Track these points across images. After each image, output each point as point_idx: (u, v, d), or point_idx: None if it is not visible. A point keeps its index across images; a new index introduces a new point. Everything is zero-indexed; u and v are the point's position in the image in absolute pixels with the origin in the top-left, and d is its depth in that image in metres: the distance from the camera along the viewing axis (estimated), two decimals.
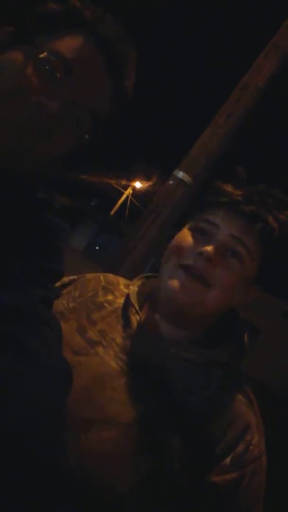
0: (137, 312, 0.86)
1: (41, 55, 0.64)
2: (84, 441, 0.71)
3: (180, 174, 2.83)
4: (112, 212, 25.96)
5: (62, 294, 0.96)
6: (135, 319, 0.86)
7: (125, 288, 0.96)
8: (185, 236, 0.84)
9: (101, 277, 1.00)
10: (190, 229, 0.84)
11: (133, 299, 0.88)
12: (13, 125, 0.63)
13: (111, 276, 1.02)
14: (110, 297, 0.94)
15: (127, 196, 26.26)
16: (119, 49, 0.69)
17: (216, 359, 0.81)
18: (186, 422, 0.75)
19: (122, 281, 1.00)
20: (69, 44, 0.66)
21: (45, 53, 0.64)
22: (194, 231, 0.83)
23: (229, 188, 0.84)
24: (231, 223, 0.80)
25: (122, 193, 26.00)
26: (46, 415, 0.53)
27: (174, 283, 0.79)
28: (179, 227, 0.90)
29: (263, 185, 0.85)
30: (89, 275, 1.02)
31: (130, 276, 2.98)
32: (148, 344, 0.82)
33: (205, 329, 0.88)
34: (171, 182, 2.85)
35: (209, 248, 0.78)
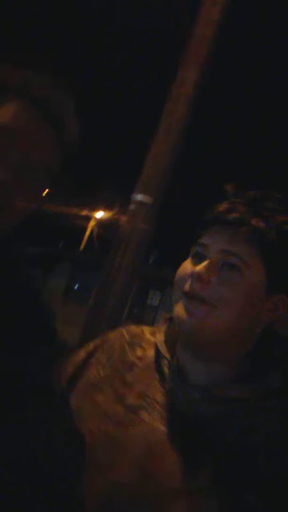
0: (169, 363, 0.80)
1: None
2: None
3: (139, 196, 2.87)
4: (81, 248, 25.87)
5: (91, 364, 0.91)
6: (169, 370, 0.80)
7: (151, 336, 0.91)
8: (184, 265, 0.82)
9: (124, 332, 0.94)
10: (190, 257, 0.82)
11: (163, 350, 0.82)
12: None
13: (133, 328, 0.96)
14: (139, 352, 0.88)
15: (92, 229, 26.27)
16: (52, 102, 0.71)
17: (265, 388, 0.74)
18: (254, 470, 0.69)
19: (146, 329, 0.94)
20: (5, 112, 0.68)
21: None
22: (192, 258, 0.81)
23: (216, 205, 0.81)
24: (219, 238, 0.77)
25: (86, 227, 26.00)
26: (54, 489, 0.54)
27: (180, 312, 0.76)
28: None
29: (255, 192, 0.82)
30: (111, 335, 0.96)
31: (119, 310, 2.96)
32: (187, 394, 0.76)
33: (245, 360, 0.80)
34: (132, 206, 2.89)
35: (198, 268, 0.75)
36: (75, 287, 20.19)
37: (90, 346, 0.96)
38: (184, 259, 0.83)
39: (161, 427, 0.75)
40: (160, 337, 0.86)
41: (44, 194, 0.74)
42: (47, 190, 0.74)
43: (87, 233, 26.05)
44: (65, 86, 0.75)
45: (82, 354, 0.94)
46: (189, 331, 0.75)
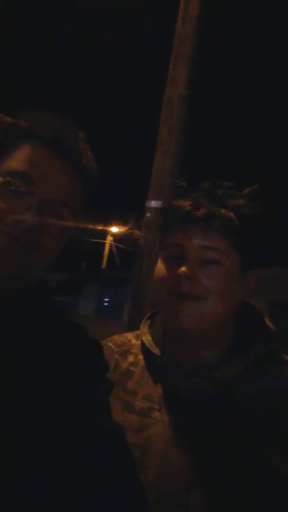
0: (162, 358, 0.84)
1: (1, 181, 0.67)
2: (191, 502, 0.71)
3: (153, 203, 2.86)
4: (104, 266, 26.02)
5: None
6: (166, 365, 0.84)
7: (136, 340, 0.95)
8: (160, 266, 0.84)
9: (110, 344, 0.97)
10: (163, 259, 0.84)
11: (154, 349, 0.87)
12: (5, 256, 0.65)
13: (116, 338, 1.00)
14: (131, 359, 0.92)
15: (110, 244, 26.44)
16: (64, 139, 0.71)
17: (253, 356, 0.81)
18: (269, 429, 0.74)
19: (130, 336, 0.98)
20: (19, 157, 0.69)
21: (2, 178, 0.67)
22: (167, 259, 0.83)
23: (178, 203, 0.83)
24: (193, 235, 0.80)
25: (103, 244, 26.19)
26: None
27: (173, 313, 0.79)
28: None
29: (207, 183, 0.86)
30: None
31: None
32: (188, 380, 0.80)
33: (231, 334, 0.86)
34: (148, 214, 2.88)
35: (183, 268, 0.78)
36: (105, 304, 20.30)
37: None
38: None
39: (176, 421, 0.79)
40: (146, 338, 0.90)
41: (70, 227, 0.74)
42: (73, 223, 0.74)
43: (106, 249, 26.24)
44: (72, 120, 0.75)
45: None
46: (187, 329, 0.79)
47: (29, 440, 0.59)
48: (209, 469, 0.73)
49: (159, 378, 0.84)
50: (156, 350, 0.86)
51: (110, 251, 26.33)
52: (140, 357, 0.90)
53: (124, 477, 0.61)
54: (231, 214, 0.80)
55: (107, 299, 20.14)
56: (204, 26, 3.34)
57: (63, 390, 0.65)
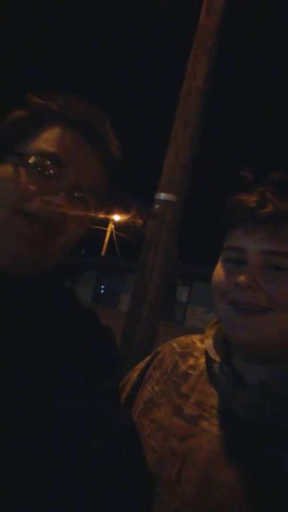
0: (221, 367, 0.77)
1: (30, 161, 0.65)
2: None
3: (162, 195, 2.84)
4: (103, 253, 26.00)
5: (145, 381, 0.89)
6: (223, 374, 0.76)
7: (201, 344, 0.88)
8: (220, 270, 0.76)
9: (174, 345, 0.91)
10: (223, 261, 0.76)
11: (212, 354, 0.79)
12: (29, 238, 0.64)
13: (182, 339, 0.93)
14: (191, 362, 0.85)
15: (111, 232, 26.39)
16: (94, 124, 0.70)
17: None
18: None
19: (196, 338, 0.91)
20: (49, 139, 0.68)
21: (32, 158, 0.65)
22: (226, 262, 0.75)
23: (242, 198, 0.73)
24: (255, 238, 0.70)
25: (104, 231, 26.13)
26: None
27: (231, 326, 0.71)
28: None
29: (277, 173, 0.74)
30: (162, 349, 0.93)
31: (155, 311, 2.95)
32: (246, 396, 0.72)
33: None
34: (157, 206, 2.86)
35: (242, 278, 0.69)
36: (102, 291, 20.32)
37: (142, 364, 0.94)
38: (208, 252, 0.79)
39: (223, 435, 0.71)
40: (208, 342, 0.83)
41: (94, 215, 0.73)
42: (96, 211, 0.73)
43: (107, 237, 26.19)
44: (99, 107, 0.74)
45: (135, 374, 0.93)
46: (247, 345, 0.71)
47: (38, 426, 0.58)
48: (249, 495, 0.65)
49: (215, 387, 0.77)
50: (215, 356, 0.78)
51: (111, 239, 26.30)
52: (201, 361, 0.83)
53: (131, 468, 0.60)
54: None
55: (103, 287, 20.16)
56: (228, 20, 3.28)
57: (74, 376, 0.64)
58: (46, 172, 0.66)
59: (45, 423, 0.58)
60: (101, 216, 0.74)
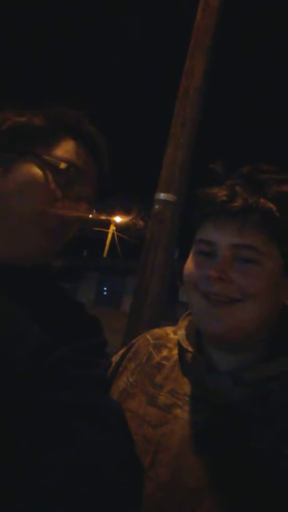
0: (194, 356, 0.79)
1: (61, 167, 0.73)
2: None
3: (162, 195, 2.83)
4: (105, 254, 26.01)
5: (120, 373, 0.91)
6: (195, 363, 0.79)
7: (174, 335, 0.90)
8: (191, 262, 0.78)
9: (148, 336, 0.94)
10: (194, 253, 0.78)
11: (185, 344, 0.82)
12: (52, 233, 0.73)
13: (157, 331, 0.95)
14: (164, 353, 0.87)
15: (113, 234, 26.40)
16: (99, 143, 0.80)
17: None
18: None
19: (169, 330, 0.94)
20: (69, 150, 0.75)
21: (62, 164, 0.73)
22: (197, 255, 0.76)
23: (212, 191, 0.74)
24: (225, 231, 0.71)
25: (106, 233, 26.15)
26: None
27: (203, 317, 0.73)
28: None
29: (248, 167, 0.75)
30: (136, 341, 0.96)
31: (157, 311, 2.94)
32: (217, 382, 0.74)
33: (269, 338, 0.78)
34: (156, 206, 2.86)
35: (212, 270, 0.71)
36: (104, 293, 20.33)
37: (117, 356, 0.96)
38: None
39: (195, 420, 0.74)
40: (181, 333, 0.85)
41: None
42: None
43: (109, 238, 26.21)
44: (95, 118, 0.82)
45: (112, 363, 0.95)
46: (218, 335, 0.72)
47: (23, 415, 0.59)
48: (220, 478, 0.67)
49: (187, 375, 0.80)
50: (187, 346, 0.81)
51: (112, 240, 26.30)
52: (175, 352, 0.86)
53: (121, 456, 0.61)
54: (271, 205, 0.69)
55: (105, 288, 20.17)
56: (224, 19, 3.28)
57: (60, 364, 0.65)
58: (71, 180, 0.74)
59: (32, 413, 0.59)
60: (98, 217, 0.84)
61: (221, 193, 0.72)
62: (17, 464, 0.56)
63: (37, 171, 0.72)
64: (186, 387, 0.79)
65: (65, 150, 0.75)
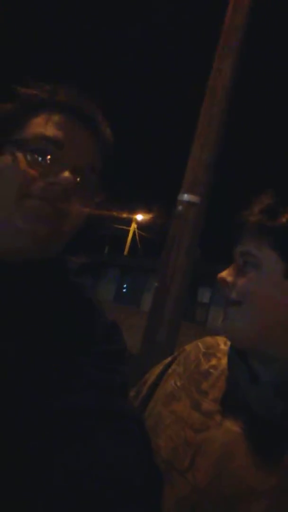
0: (239, 366, 0.82)
1: (28, 146, 0.67)
2: None
3: (186, 196, 2.82)
4: (126, 252, 26.10)
5: (169, 375, 0.95)
6: (240, 373, 0.81)
7: (225, 346, 0.93)
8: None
9: (199, 344, 0.98)
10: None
11: (233, 355, 0.85)
12: (45, 218, 0.66)
13: (208, 339, 0.99)
14: (213, 362, 0.91)
15: (134, 231, 26.47)
16: (84, 107, 0.73)
17: None
18: None
19: (221, 340, 0.97)
20: (43, 124, 0.70)
21: (30, 142, 0.68)
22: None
23: (243, 213, 0.83)
24: (236, 242, 0.82)
25: (127, 231, 26.24)
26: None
27: (221, 319, 0.81)
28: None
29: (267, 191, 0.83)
30: (188, 347, 1.00)
31: (178, 311, 2.92)
32: (259, 393, 0.76)
33: None
34: (179, 207, 2.85)
35: (223, 273, 0.81)
36: (124, 291, 20.41)
37: (168, 358, 1.01)
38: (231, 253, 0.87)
39: (236, 429, 0.75)
40: (230, 343, 0.88)
41: (97, 199, 0.76)
42: (99, 195, 0.76)
43: (130, 236, 26.29)
44: (90, 92, 0.77)
45: (161, 366, 1.00)
46: (227, 335, 0.80)
47: (39, 422, 0.57)
48: (257, 489, 0.69)
49: (233, 385, 0.83)
50: (234, 356, 0.85)
51: (133, 238, 26.38)
52: (223, 361, 0.89)
53: (139, 464, 0.60)
54: (264, 216, 0.78)
55: (126, 286, 20.24)
56: (255, 19, 3.24)
57: (77, 370, 0.64)
58: (46, 155, 0.67)
59: (46, 418, 0.58)
60: (101, 198, 0.76)
61: (246, 213, 0.82)
62: (33, 471, 0.55)
63: (7, 158, 0.68)
64: (230, 396, 0.81)
65: (41, 125, 0.70)
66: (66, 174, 0.66)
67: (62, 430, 0.58)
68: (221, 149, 3.01)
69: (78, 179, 0.69)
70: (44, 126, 0.69)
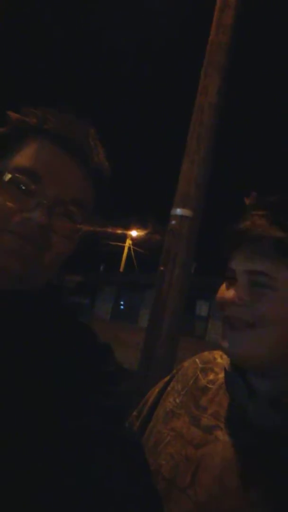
0: (236, 380, 0.80)
1: (6, 178, 0.65)
2: None
3: (179, 211, 2.85)
4: (121, 269, 26.07)
5: (168, 392, 0.95)
6: (237, 387, 0.80)
7: (222, 360, 0.93)
8: (221, 290, 0.81)
9: (197, 360, 0.97)
10: (224, 281, 0.81)
11: (230, 369, 0.83)
12: (17, 253, 0.64)
13: (205, 355, 0.98)
14: (211, 376, 0.90)
15: (129, 248, 26.50)
16: (73, 135, 0.70)
17: None
18: None
19: (217, 354, 0.96)
20: (26, 154, 0.68)
21: (8, 175, 0.65)
22: (225, 281, 0.80)
23: (236, 223, 0.78)
24: (240, 259, 0.76)
25: (122, 247, 26.27)
26: None
27: (222, 340, 0.77)
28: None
29: (273, 198, 0.78)
30: (185, 363, 0.99)
31: (175, 326, 2.92)
32: (256, 406, 0.75)
33: None
34: (173, 222, 2.87)
35: (228, 294, 0.75)
36: (121, 307, 20.32)
37: (167, 377, 1.00)
38: (225, 265, 0.83)
39: (236, 443, 0.75)
40: (227, 358, 0.86)
41: (82, 228, 0.72)
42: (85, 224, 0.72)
43: (125, 253, 26.30)
44: (82, 118, 0.73)
45: (160, 385, 1.00)
46: (238, 360, 0.76)
47: (41, 444, 0.57)
48: (259, 503, 0.68)
49: (231, 399, 0.81)
50: (231, 371, 0.82)
51: (129, 254, 26.39)
52: (220, 376, 0.88)
53: (136, 487, 0.59)
54: (282, 234, 0.71)
55: (122, 303, 20.17)
56: (238, 36, 3.32)
57: (70, 395, 0.63)
58: (24, 188, 0.65)
59: (47, 441, 0.58)
60: (91, 228, 0.73)
61: (243, 223, 0.76)
62: (30, 491, 0.55)
63: None
64: (228, 410, 0.80)
65: (23, 155, 0.67)
66: (41, 210, 0.64)
67: (62, 452, 0.57)
68: (212, 164, 3.06)
69: (61, 210, 0.67)
70: (26, 157, 0.67)
